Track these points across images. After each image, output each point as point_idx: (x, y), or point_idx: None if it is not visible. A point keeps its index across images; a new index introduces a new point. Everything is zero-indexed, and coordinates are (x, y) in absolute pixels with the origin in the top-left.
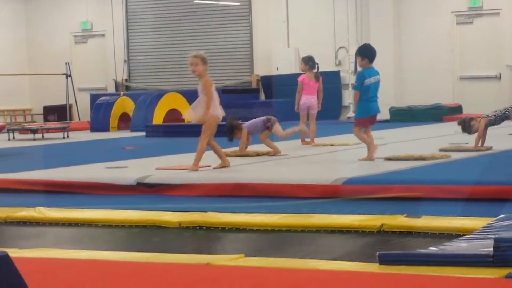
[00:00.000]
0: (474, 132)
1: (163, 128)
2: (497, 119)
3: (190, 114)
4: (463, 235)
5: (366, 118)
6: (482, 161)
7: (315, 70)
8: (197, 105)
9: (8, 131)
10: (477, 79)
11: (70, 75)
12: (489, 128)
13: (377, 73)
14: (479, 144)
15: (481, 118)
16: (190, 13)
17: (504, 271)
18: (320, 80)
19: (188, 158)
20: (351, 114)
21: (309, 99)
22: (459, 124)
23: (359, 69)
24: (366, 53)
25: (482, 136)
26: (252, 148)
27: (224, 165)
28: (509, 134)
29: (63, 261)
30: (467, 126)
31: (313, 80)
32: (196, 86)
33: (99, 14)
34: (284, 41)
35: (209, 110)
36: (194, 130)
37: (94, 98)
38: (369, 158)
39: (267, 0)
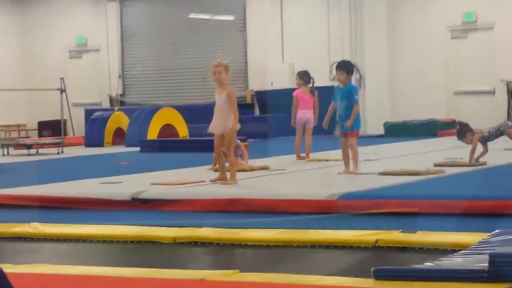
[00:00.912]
0: (467, 143)
1: (158, 143)
2: (491, 135)
3: (216, 127)
4: (459, 250)
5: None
6: (477, 176)
7: (310, 85)
8: (220, 116)
9: (2, 146)
10: (472, 94)
11: (64, 90)
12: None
13: None
14: (476, 159)
15: (476, 134)
16: (185, 27)
17: (500, 287)
18: (316, 95)
19: (183, 173)
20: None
21: (305, 114)
22: (457, 124)
23: (339, 84)
24: (350, 68)
25: (484, 151)
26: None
27: (222, 179)
28: (505, 149)
29: (58, 276)
30: (461, 132)
31: (308, 94)
32: (191, 101)
33: (93, 29)
34: (279, 56)
35: (237, 120)
36: (188, 146)
37: (88, 113)
38: (356, 171)
39: (261, 15)
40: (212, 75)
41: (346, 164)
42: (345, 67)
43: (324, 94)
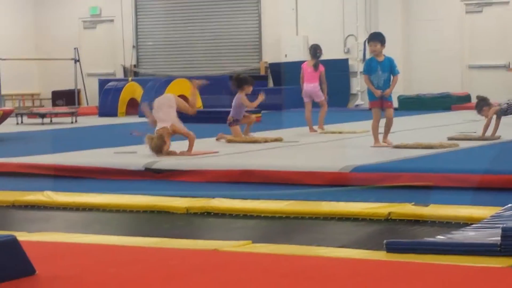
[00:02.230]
0: (485, 117)
1: None
2: (510, 108)
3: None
4: (471, 224)
5: None
6: (491, 150)
7: (316, 59)
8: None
9: (16, 115)
10: (486, 68)
11: (78, 60)
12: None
13: None
14: (492, 133)
15: (493, 107)
16: None
17: (511, 260)
18: (322, 70)
19: (196, 144)
20: (359, 101)
21: (309, 87)
22: (476, 98)
23: (373, 56)
24: (383, 39)
25: (495, 125)
26: (260, 134)
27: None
28: None
29: (71, 245)
30: (479, 105)
31: (311, 68)
32: (204, 72)
33: (108, 0)
34: (293, 29)
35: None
36: (202, 117)
37: (102, 83)
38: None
39: None
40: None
41: (376, 137)
42: (379, 38)
43: (337, 67)
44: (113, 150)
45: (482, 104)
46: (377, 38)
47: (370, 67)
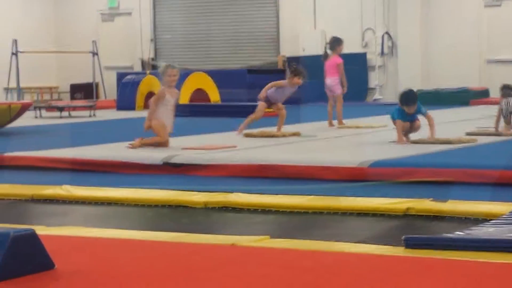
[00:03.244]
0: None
1: (189, 108)
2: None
3: (170, 126)
4: (490, 219)
5: None
6: (510, 146)
7: (329, 52)
8: (172, 115)
9: (35, 108)
10: (505, 62)
11: (96, 53)
12: None
13: None
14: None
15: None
16: None
17: None
18: (338, 63)
19: (214, 138)
20: (377, 96)
21: (326, 81)
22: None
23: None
24: (415, 98)
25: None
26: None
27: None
28: None
29: (90, 239)
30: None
31: (328, 61)
32: (222, 65)
33: None
34: (311, 22)
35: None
36: (220, 111)
37: (120, 76)
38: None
39: None
40: (172, 82)
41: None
42: (415, 100)
43: (355, 61)
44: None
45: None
46: (413, 101)
47: (402, 116)
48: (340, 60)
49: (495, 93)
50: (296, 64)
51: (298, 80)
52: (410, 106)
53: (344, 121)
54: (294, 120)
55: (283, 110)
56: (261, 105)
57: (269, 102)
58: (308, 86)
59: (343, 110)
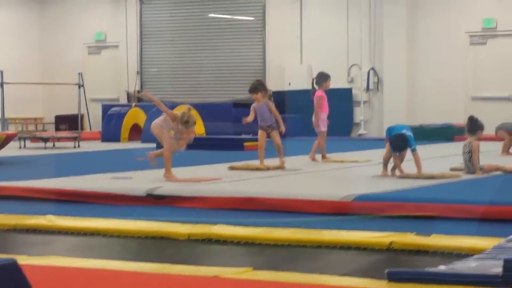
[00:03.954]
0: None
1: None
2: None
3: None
4: (473, 254)
5: None
6: (492, 181)
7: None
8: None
9: (19, 139)
10: (489, 100)
11: (82, 85)
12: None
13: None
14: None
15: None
16: (204, 26)
17: None
18: (316, 97)
19: (198, 171)
20: (362, 131)
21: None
22: (468, 120)
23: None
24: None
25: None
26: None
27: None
28: None
29: (72, 269)
30: (472, 129)
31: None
32: (208, 99)
33: (113, 25)
34: (297, 57)
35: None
36: (204, 143)
37: (106, 108)
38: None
39: (281, 16)
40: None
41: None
42: (404, 148)
43: (341, 97)
44: (113, 175)
45: (476, 127)
46: (404, 148)
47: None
48: (319, 94)
49: None
50: (256, 80)
51: (256, 96)
52: (402, 152)
53: (328, 155)
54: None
55: (277, 138)
56: (259, 133)
57: (263, 128)
58: (293, 120)
59: (327, 144)
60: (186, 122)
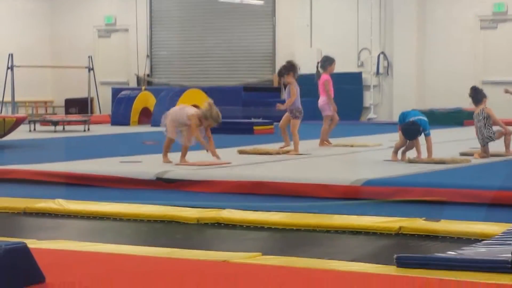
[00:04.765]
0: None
1: None
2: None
3: None
4: (482, 240)
5: None
6: (503, 166)
7: (319, 70)
8: None
9: (29, 122)
10: (500, 84)
11: (92, 69)
12: None
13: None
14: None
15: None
16: (214, 10)
17: None
18: (322, 81)
19: (208, 155)
20: (372, 115)
21: (319, 100)
22: (472, 89)
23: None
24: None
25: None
26: (273, 146)
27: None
28: None
29: (81, 253)
30: (477, 97)
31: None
32: (218, 83)
33: (123, 9)
34: (307, 41)
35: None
36: (213, 127)
37: (115, 92)
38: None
39: (291, 0)
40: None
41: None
42: (417, 135)
43: (350, 81)
44: (123, 159)
45: (481, 96)
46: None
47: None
48: (325, 77)
49: None
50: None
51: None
52: (413, 140)
53: (338, 139)
54: (289, 138)
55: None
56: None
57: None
58: (303, 104)
59: (335, 130)
60: (216, 116)
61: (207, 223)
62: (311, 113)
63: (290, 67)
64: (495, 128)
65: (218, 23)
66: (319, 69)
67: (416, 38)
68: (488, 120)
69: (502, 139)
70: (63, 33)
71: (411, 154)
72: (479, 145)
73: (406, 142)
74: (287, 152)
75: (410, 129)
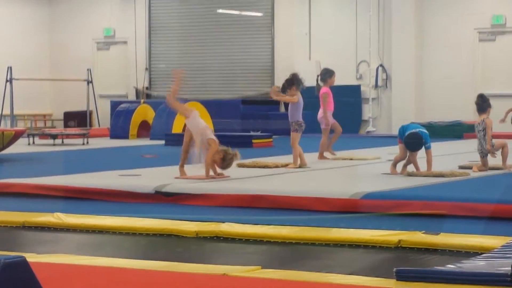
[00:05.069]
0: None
1: (182, 137)
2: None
3: None
4: (482, 253)
5: None
6: (502, 179)
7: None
8: None
9: (28, 135)
10: (498, 96)
11: (91, 82)
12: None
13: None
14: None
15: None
16: (213, 22)
17: None
18: (320, 93)
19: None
20: (370, 128)
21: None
22: (478, 97)
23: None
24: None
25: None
26: (271, 159)
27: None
28: None
29: (80, 267)
30: (483, 106)
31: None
32: (216, 96)
33: (122, 21)
34: (306, 54)
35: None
36: None
37: (114, 105)
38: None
39: (289, 12)
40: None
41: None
42: (419, 147)
43: (349, 93)
44: (122, 172)
45: (487, 105)
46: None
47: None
48: (325, 90)
49: None
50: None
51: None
52: (416, 151)
53: (337, 152)
54: (287, 151)
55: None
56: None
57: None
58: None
59: (335, 142)
60: (228, 163)
61: (206, 237)
62: (310, 126)
63: (291, 81)
64: (495, 140)
65: (217, 35)
66: (319, 82)
67: (415, 50)
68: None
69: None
70: (62, 45)
71: (410, 167)
72: (478, 158)
73: (406, 155)
74: (286, 165)
75: (414, 141)
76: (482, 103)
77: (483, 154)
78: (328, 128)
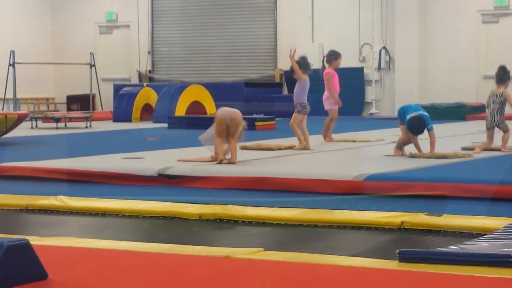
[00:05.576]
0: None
1: (185, 120)
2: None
3: None
4: (484, 234)
5: None
6: (504, 160)
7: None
8: None
9: (31, 119)
10: None
11: (94, 65)
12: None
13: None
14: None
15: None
16: (215, 5)
17: None
18: (324, 74)
19: (210, 150)
20: (373, 110)
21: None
22: (500, 68)
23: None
24: None
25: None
26: (274, 142)
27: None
28: None
29: (84, 250)
30: (503, 77)
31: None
32: (219, 78)
33: (124, 5)
34: (309, 36)
35: None
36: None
37: (117, 88)
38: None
39: None
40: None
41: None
42: (422, 130)
43: (352, 76)
44: (125, 155)
45: (507, 76)
46: (422, 131)
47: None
48: (328, 70)
49: None
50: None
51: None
52: (419, 134)
53: (340, 134)
54: (290, 134)
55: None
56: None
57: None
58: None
59: (337, 124)
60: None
61: (209, 219)
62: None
63: (299, 63)
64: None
65: (220, 18)
66: (325, 63)
67: (418, 33)
68: (503, 106)
69: None
70: (65, 29)
71: (413, 148)
72: (480, 140)
73: (409, 137)
74: (290, 147)
75: (417, 124)
76: (504, 74)
77: (491, 126)
78: (335, 109)
